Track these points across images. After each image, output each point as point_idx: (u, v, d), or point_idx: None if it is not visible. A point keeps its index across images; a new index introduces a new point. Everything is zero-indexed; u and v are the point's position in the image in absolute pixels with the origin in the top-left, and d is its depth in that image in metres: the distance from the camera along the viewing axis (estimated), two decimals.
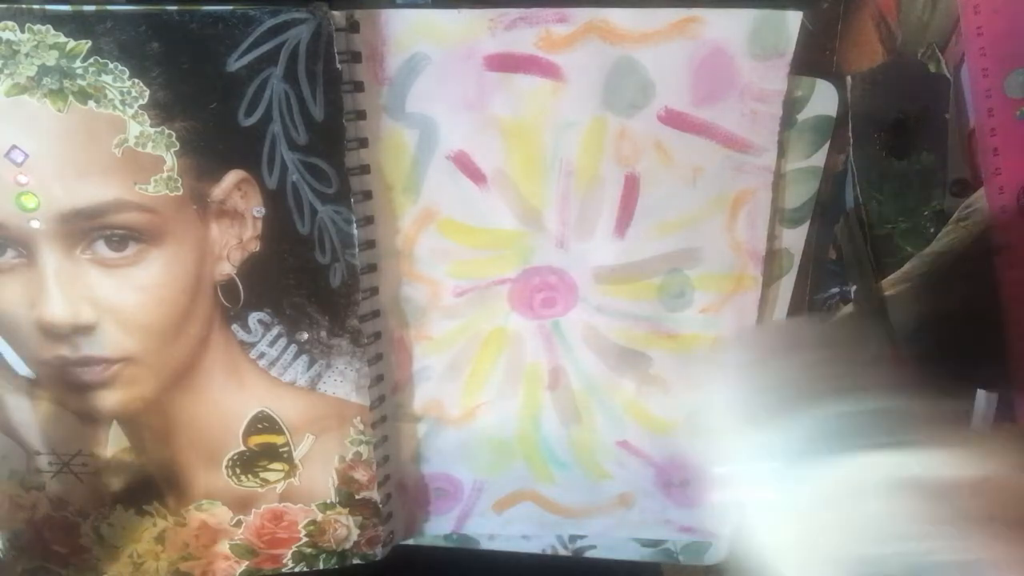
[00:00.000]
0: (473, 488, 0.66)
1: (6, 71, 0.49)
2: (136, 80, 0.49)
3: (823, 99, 0.55)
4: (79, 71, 0.49)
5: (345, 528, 0.63)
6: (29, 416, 0.58)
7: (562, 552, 0.70)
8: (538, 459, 0.65)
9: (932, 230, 0.58)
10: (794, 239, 0.59)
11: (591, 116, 0.54)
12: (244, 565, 0.64)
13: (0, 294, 0.54)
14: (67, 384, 0.56)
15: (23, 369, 0.56)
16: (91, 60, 0.48)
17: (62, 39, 0.48)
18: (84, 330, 0.55)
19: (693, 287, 0.59)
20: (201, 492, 0.61)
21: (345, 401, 0.58)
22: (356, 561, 0.64)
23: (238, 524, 0.62)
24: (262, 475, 0.60)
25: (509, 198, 0.56)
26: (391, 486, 0.63)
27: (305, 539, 0.63)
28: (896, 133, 0.56)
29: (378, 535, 0.63)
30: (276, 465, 0.60)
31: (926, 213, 0.58)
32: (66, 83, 0.49)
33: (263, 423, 0.59)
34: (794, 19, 0.51)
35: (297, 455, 0.60)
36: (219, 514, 0.62)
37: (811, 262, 0.60)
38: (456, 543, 0.69)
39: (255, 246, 0.54)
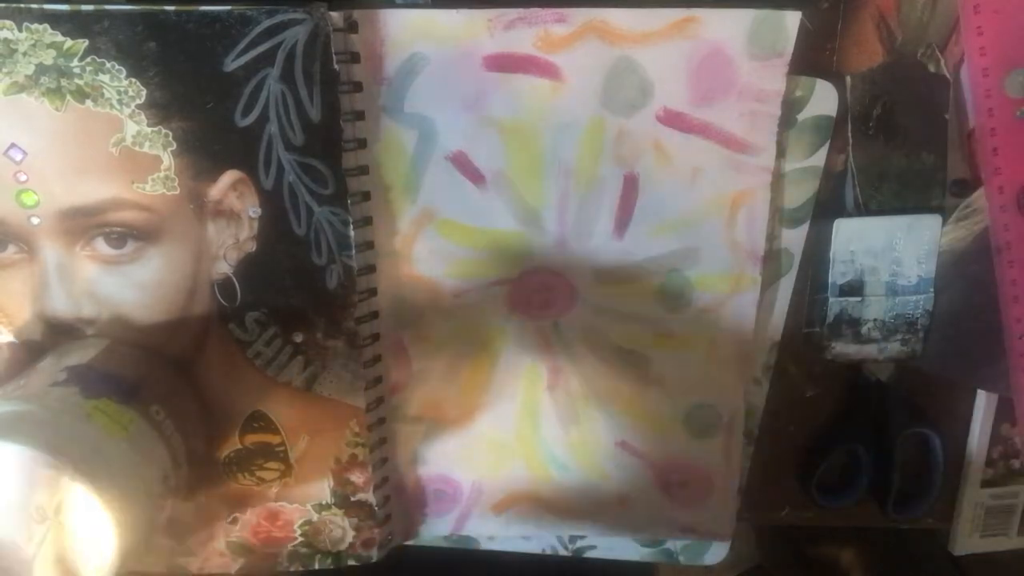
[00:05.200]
0: (472, 489, 0.66)
1: (4, 70, 0.49)
2: (133, 80, 0.49)
3: (823, 99, 0.54)
4: (76, 70, 0.49)
5: (340, 529, 0.63)
6: None
7: (562, 552, 0.70)
8: (537, 460, 0.65)
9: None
10: (794, 239, 0.59)
11: (590, 116, 0.54)
12: (240, 563, 0.64)
13: (3, 288, 0.54)
14: None
15: None
16: (88, 59, 0.49)
17: (59, 38, 0.48)
18: (85, 324, 0.55)
19: (692, 287, 0.59)
20: (199, 487, 0.61)
21: (341, 403, 0.58)
22: (352, 562, 0.64)
23: (234, 521, 0.62)
24: (258, 474, 0.60)
25: (508, 199, 0.56)
26: (389, 488, 0.63)
27: (300, 539, 0.63)
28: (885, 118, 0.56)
29: (373, 537, 0.63)
30: (272, 464, 0.60)
31: None
32: (63, 82, 0.49)
33: (259, 422, 0.59)
34: (793, 19, 0.51)
35: (292, 455, 0.60)
36: (216, 511, 0.62)
37: (811, 262, 0.60)
38: (456, 544, 0.69)
39: (251, 246, 0.54)
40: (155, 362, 0.56)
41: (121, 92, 0.49)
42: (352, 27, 0.50)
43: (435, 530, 0.68)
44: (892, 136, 0.56)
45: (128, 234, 0.53)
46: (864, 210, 0.58)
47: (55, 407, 0.48)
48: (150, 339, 0.56)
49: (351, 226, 0.53)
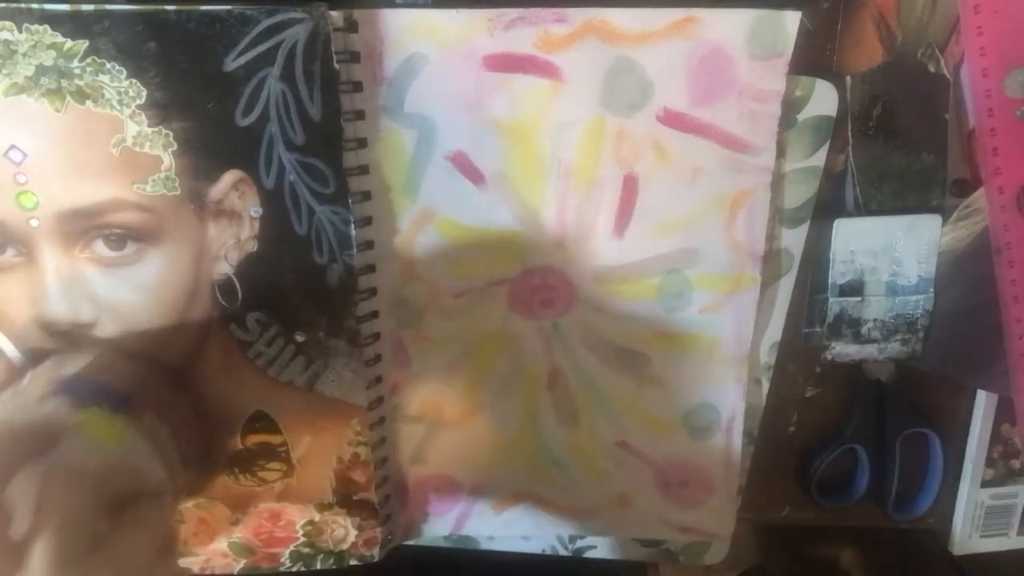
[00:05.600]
0: (472, 489, 0.66)
1: (4, 71, 0.48)
2: (133, 80, 0.49)
3: (823, 99, 0.55)
4: (76, 71, 0.49)
5: (343, 529, 0.63)
6: None
7: (562, 552, 0.70)
8: (537, 460, 0.65)
9: None
10: (794, 239, 0.59)
11: (590, 116, 0.54)
12: (242, 563, 0.64)
13: (0, 292, 0.54)
14: None
15: None
16: (88, 60, 0.48)
17: (59, 39, 0.48)
18: (84, 328, 0.55)
19: (692, 287, 0.59)
20: (199, 490, 0.61)
21: (343, 402, 0.58)
22: (354, 562, 0.64)
23: (236, 522, 0.62)
24: (260, 474, 0.60)
25: (508, 198, 0.56)
26: (390, 487, 0.63)
27: (303, 539, 0.63)
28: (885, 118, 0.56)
29: (376, 536, 0.63)
30: (274, 464, 0.60)
31: None
32: (64, 83, 0.49)
33: (261, 422, 0.59)
34: (793, 19, 0.51)
35: (294, 455, 0.60)
36: (217, 512, 0.62)
37: (811, 262, 0.60)
38: (456, 544, 0.69)
39: (252, 246, 0.54)
40: (149, 370, 0.56)
41: (121, 92, 0.49)
42: (352, 27, 0.50)
43: (435, 529, 0.68)
44: (892, 136, 0.56)
45: (128, 235, 0.53)
46: (864, 210, 0.58)
47: None
48: (150, 341, 0.55)
49: (352, 225, 0.53)
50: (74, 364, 0.53)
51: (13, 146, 0.50)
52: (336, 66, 0.50)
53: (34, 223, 0.52)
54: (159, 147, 0.51)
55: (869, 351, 0.61)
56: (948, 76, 0.55)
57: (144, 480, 0.49)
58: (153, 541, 0.44)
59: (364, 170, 0.54)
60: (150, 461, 0.51)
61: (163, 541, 0.45)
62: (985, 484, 0.67)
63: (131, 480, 0.46)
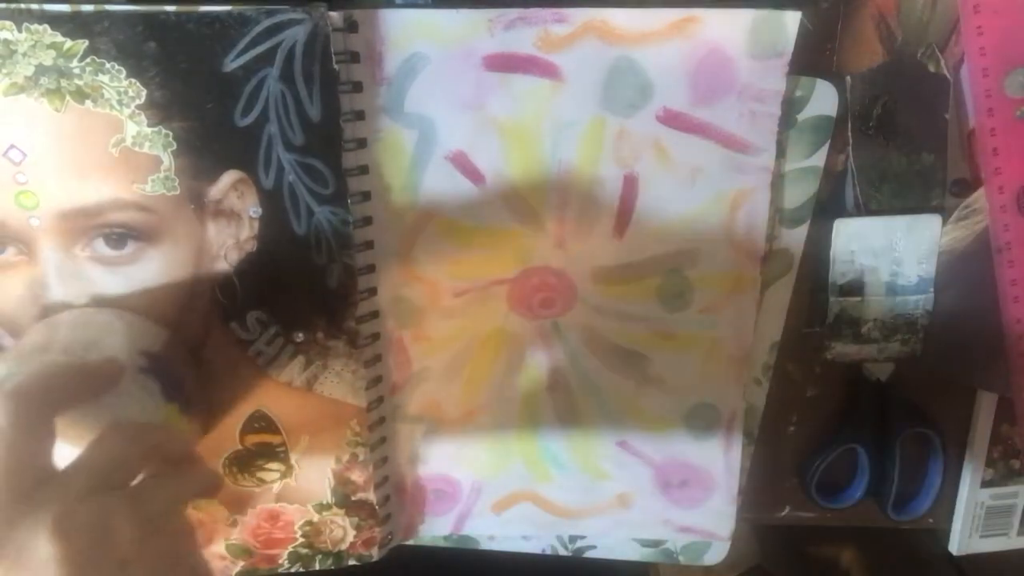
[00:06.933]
0: (472, 489, 0.66)
1: (4, 71, 0.48)
2: (133, 80, 0.49)
3: (823, 99, 0.54)
4: (76, 71, 0.49)
5: (341, 529, 0.63)
6: None
7: (562, 552, 0.70)
8: (537, 460, 0.65)
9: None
10: (794, 239, 0.59)
11: (590, 116, 0.54)
12: (240, 565, 0.64)
13: (1, 290, 0.54)
14: None
15: None
16: (88, 60, 0.48)
17: (59, 39, 0.48)
18: None
19: (692, 287, 0.59)
20: None
21: (342, 402, 0.58)
22: (352, 562, 0.64)
23: (234, 524, 0.62)
24: (258, 475, 0.60)
25: (508, 198, 0.56)
26: (389, 487, 0.63)
27: (301, 539, 0.63)
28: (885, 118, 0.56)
29: (374, 536, 0.63)
30: (272, 465, 0.60)
31: None
32: (63, 83, 0.49)
33: (260, 422, 0.59)
34: (793, 19, 0.51)
35: (293, 455, 0.60)
36: (215, 513, 0.62)
37: (811, 262, 0.60)
38: (455, 544, 0.69)
39: (252, 246, 0.54)
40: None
41: (121, 92, 0.49)
42: (352, 27, 0.50)
43: (435, 529, 0.68)
44: (892, 136, 0.56)
45: (128, 235, 0.53)
46: (864, 210, 0.58)
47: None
48: (149, 340, 0.55)
49: (351, 225, 0.53)
50: (151, 338, 0.53)
51: (13, 146, 0.50)
52: (336, 66, 0.50)
53: (34, 222, 0.52)
54: (159, 147, 0.51)
55: (869, 351, 0.61)
56: (948, 76, 0.55)
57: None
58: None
59: (364, 170, 0.54)
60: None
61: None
62: (985, 484, 0.67)
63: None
